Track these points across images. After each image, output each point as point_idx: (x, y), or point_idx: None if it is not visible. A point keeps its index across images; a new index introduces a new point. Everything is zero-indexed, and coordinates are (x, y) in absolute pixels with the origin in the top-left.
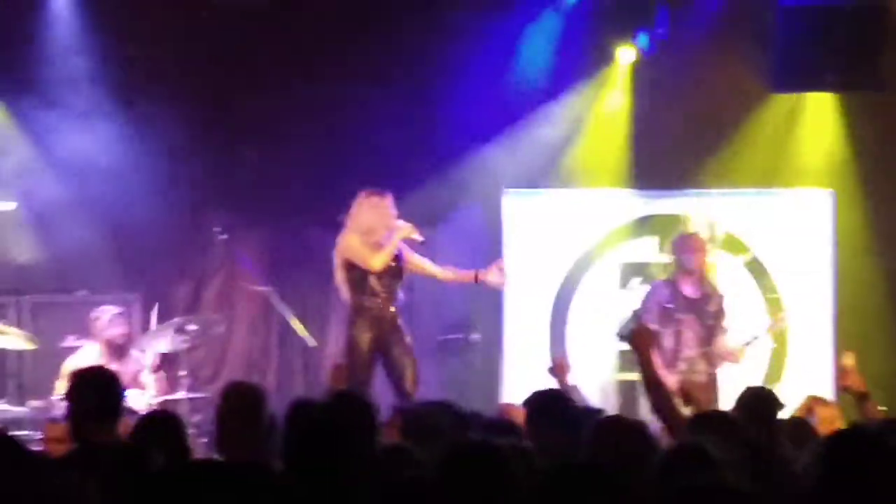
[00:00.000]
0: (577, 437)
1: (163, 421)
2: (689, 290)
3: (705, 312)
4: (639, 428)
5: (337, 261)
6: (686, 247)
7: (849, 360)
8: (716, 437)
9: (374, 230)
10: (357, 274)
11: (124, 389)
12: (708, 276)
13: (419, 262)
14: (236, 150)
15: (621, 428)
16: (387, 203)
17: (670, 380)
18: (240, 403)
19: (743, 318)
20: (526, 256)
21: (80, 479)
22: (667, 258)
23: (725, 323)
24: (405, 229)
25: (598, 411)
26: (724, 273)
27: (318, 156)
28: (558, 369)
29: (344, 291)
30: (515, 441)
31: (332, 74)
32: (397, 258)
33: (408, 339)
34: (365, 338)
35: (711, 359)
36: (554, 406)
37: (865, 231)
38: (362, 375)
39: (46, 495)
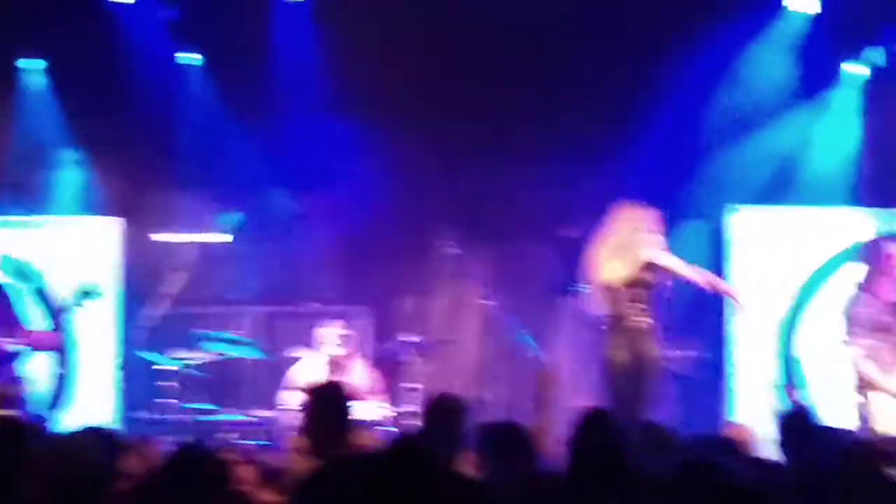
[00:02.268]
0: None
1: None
2: (892, 294)
3: None
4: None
5: (589, 275)
6: (885, 251)
7: None
8: None
9: (626, 241)
10: (612, 287)
11: (352, 404)
12: None
13: (669, 264)
14: (463, 166)
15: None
16: (641, 214)
17: None
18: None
19: None
20: (752, 274)
21: None
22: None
23: None
24: (650, 243)
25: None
26: None
27: (545, 172)
28: (791, 387)
29: (600, 302)
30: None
31: (558, 92)
32: (653, 269)
33: (658, 352)
34: (621, 349)
35: None
36: (805, 424)
37: None
38: (620, 385)
39: None
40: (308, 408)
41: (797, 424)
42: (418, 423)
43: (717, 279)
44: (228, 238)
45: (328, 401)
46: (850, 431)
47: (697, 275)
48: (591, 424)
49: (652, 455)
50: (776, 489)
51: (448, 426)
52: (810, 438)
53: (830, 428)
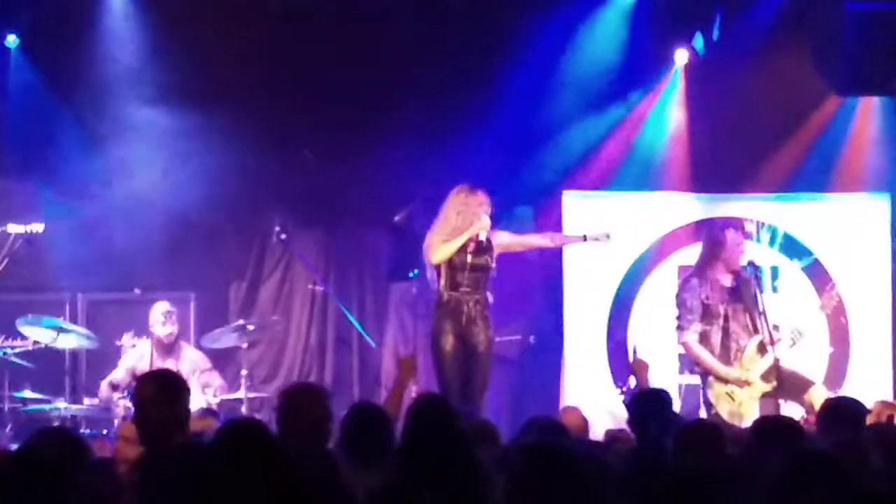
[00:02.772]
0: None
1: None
2: (724, 279)
3: (746, 299)
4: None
5: (426, 256)
6: (722, 236)
7: None
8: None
9: (461, 224)
10: (442, 268)
11: (188, 392)
12: (746, 264)
13: (517, 240)
14: (295, 151)
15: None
16: (477, 198)
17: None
18: (301, 404)
19: (800, 319)
20: (584, 259)
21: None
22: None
23: (769, 309)
24: (477, 225)
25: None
26: (784, 275)
27: (376, 157)
28: (639, 369)
29: (435, 285)
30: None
31: (389, 78)
32: (482, 251)
33: (488, 336)
34: (449, 332)
35: (767, 348)
36: (661, 406)
37: None
38: (448, 370)
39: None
40: (137, 395)
41: (646, 406)
42: (244, 409)
43: (563, 236)
44: (53, 224)
45: (159, 388)
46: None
47: (543, 239)
48: (424, 411)
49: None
50: (612, 472)
51: (309, 415)
52: (657, 420)
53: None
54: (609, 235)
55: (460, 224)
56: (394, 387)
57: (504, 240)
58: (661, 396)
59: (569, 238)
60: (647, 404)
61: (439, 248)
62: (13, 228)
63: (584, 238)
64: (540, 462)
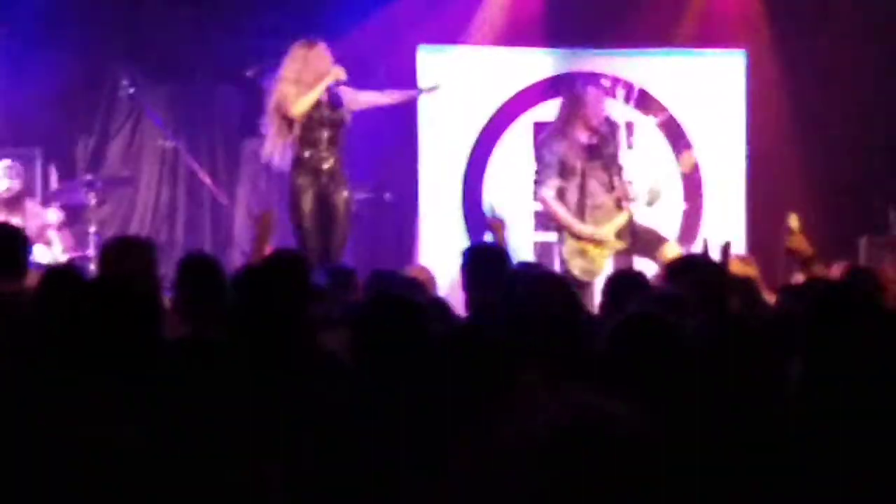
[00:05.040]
0: (511, 291)
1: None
2: (583, 136)
3: (605, 157)
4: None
5: (271, 114)
6: (581, 93)
7: (794, 221)
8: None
9: (307, 79)
10: (295, 125)
11: (28, 244)
12: (604, 121)
13: (365, 98)
14: (144, 3)
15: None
16: (318, 51)
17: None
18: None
19: (654, 174)
20: (439, 114)
21: None
22: (558, 106)
23: (626, 166)
24: (332, 74)
25: (535, 266)
26: (639, 132)
27: (230, 10)
28: (496, 226)
29: (279, 147)
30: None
31: None
32: (336, 106)
33: (346, 193)
34: (308, 189)
35: (623, 205)
36: (491, 261)
37: (777, 91)
38: (307, 227)
39: None
40: None
41: (482, 260)
42: (92, 267)
43: (410, 91)
44: None
45: None
46: (537, 267)
47: (382, 96)
48: (279, 266)
49: (338, 295)
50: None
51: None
52: (495, 273)
53: (521, 265)
54: (438, 87)
55: (309, 78)
56: (253, 245)
57: (350, 95)
58: (497, 253)
59: (406, 94)
60: (480, 260)
61: (297, 99)
62: None
63: (419, 91)
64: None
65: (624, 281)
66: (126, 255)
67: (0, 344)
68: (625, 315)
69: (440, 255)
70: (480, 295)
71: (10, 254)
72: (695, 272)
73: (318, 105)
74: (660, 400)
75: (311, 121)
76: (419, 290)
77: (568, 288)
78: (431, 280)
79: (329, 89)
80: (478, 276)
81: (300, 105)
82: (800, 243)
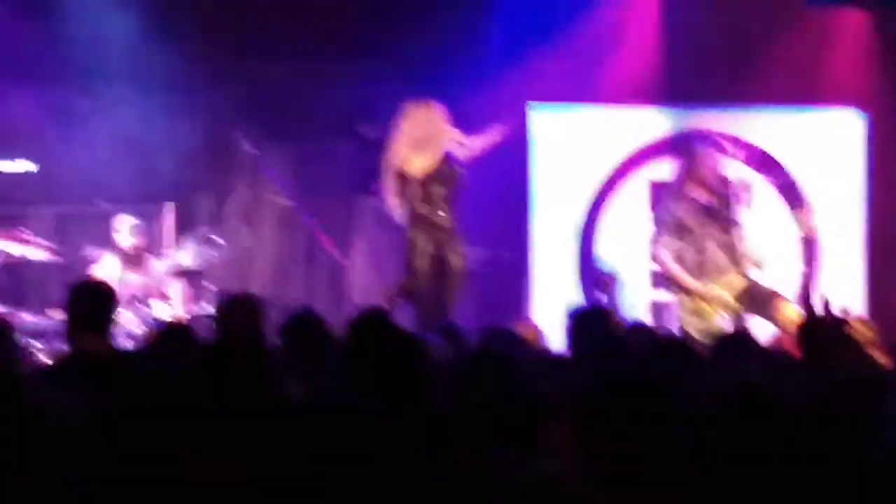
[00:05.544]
0: (619, 350)
1: (179, 332)
2: (701, 196)
3: (723, 217)
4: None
5: (387, 173)
6: (699, 152)
7: None
8: None
9: (422, 139)
10: (412, 183)
11: (116, 301)
12: (720, 181)
13: (464, 150)
14: (264, 64)
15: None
16: (434, 111)
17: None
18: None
19: (772, 235)
20: (553, 172)
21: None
22: (675, 165)
23: (744, 226)
24: (450, 136)
25: (646, 327)
26: (756, 192)
27: (345, 71)
28: (607, 284)
29: (396, 203)
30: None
31: None
32: (451, 164)
33: (461, 250)
34: (424, 247)
35: (741, 265)
36: (596, 320)
37: None
38: (421, 283)
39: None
40: (66, 304)
41: (586, 321)
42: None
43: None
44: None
45: (82, 296)
46: (649, 330)
47: (491, 136)
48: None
49: (449, 349)
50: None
51: (246, 324)
52: (600, 335)
53: (631, 327)
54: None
55: (424, 137)
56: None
57: (460, 151)
58: (600, 313)
59: (504, 123)
60: (584, 321)
61: (415, 159)
62: None
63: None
64: None
65: (731, 341)
66: (238, 311)
67: (90, 404)
68: (720, 383)
69: (553, 311)
70: (585, 356)
71: (96, 312)
72: (818, 334)
73: (434, 163)
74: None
75: (428, 178)
76: (526, 346)
77: (685, 349)
78: (539, 336)
79: (444, 148)
80: (581, 336)
81: (419, 164)
82: None
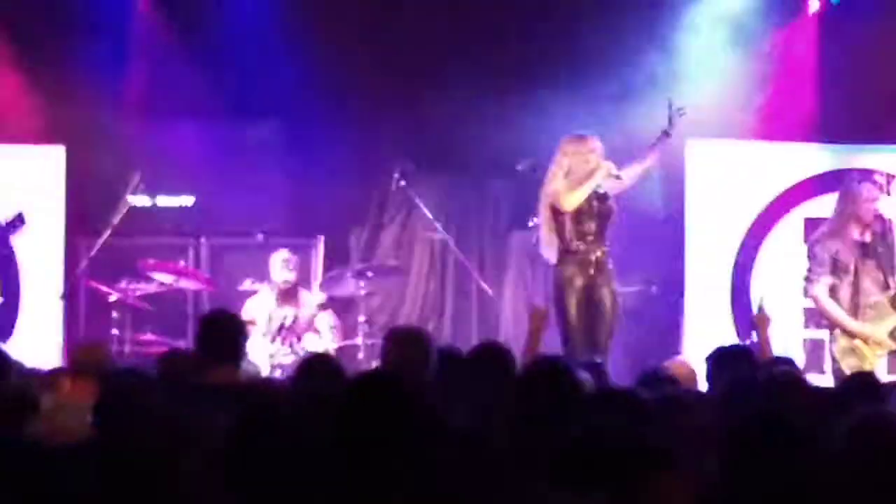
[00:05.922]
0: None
1: (320, 364)
2: (857, 233)
3: (879, 255)
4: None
5: (542, 209)
6: (855, 190)
7: None
8: None
9: (577, 172)
10: (565, 218)
11: (244, 332)
12: (878, 219)
13: (619, 183)
14: (418, 97)
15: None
16: (589, 145)
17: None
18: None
19: None
20: (708, 208)
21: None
22: (831, 203)
23: None
24: (603, 169)
25: (788, 361)
26: None
27: (501, 105)
28: (760, 323)
29: (549, 239)
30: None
31: (516, 26)
32: (604, 198)
33: (613, 286)
34: (575, 282)
35: (895, 304)
36: (735, 360)
37: None
38: (573, 320)
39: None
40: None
41: (726, 361)
42: (361, 356)
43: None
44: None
45: (211, 330)
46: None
47: (647, 159)
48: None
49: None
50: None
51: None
52: (740, 374)
53: (772, 367)
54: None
55: (579, 171)
56: (528, 339)
57: (613, 183)
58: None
59: (654, 145)
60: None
61: (569, 194)
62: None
63: (667, 133)
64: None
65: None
66: (405, 344)
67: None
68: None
69: (706, 349)
70: (726, 396)
71: (225, 343)
72: None
73: (587, 197)
74: None
75: (580, 213)
76: (675, 385)
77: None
78: (692, 374)
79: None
80: (721, 378)
81: (572, 199)
82: None
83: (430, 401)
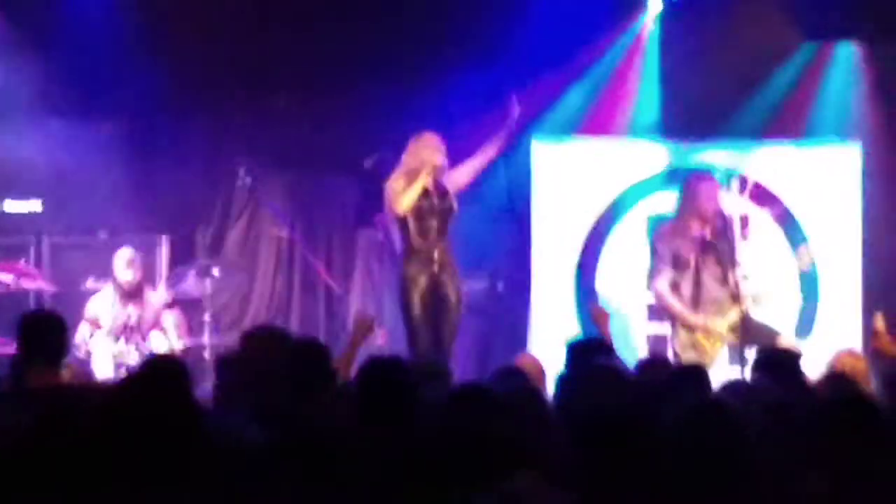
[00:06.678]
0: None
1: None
2: (697, 229)
3: (719, 251)
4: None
5: (386, 206)
6: (696, 186)
7: (879, 321)
8: None
9: (413, 171)
10: (406, 217)
11: (67, 335)
12: (718, 215)
13: (464, 170)
14: (264, 96)
15: None
16: (425, 141)
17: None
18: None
19: (770, 269)
20: (553, 205)
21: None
22: (673, 199)
23: (742, 261)
24: (426, 165)
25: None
26: (754, 225)
27: (345, 101)
28: (599, 318)
29: (394, 235)
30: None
31: (360, 24)
32: (443, 195)
33: (457, 282)
34: (419, 280)
35: (738, 299)
36: (595, 355)
37: (894, 184)
38: (418, 318)
39: None
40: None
41: (585, 353)
42: (206, 354)
43: (499, 135)
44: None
45: (30, 330)
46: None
47: (486, 153)
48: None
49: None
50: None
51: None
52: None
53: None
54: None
55: (417, 168)
56: (347, 348)
57: (455, 177)
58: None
59: (497, 139)
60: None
61: (401, 196)
62: None
63: (507, 126)
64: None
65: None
66: (259, 344)
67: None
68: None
69: (552, 344)
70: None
71: (48, 343)
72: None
73: (426, 195)
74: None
75: (421, 211)
76: (521, 379)
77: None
78: (540, 370)
79: (435, 178)
80: (579, 368)
81: (403, 201)
82: (885, 343)
83: None
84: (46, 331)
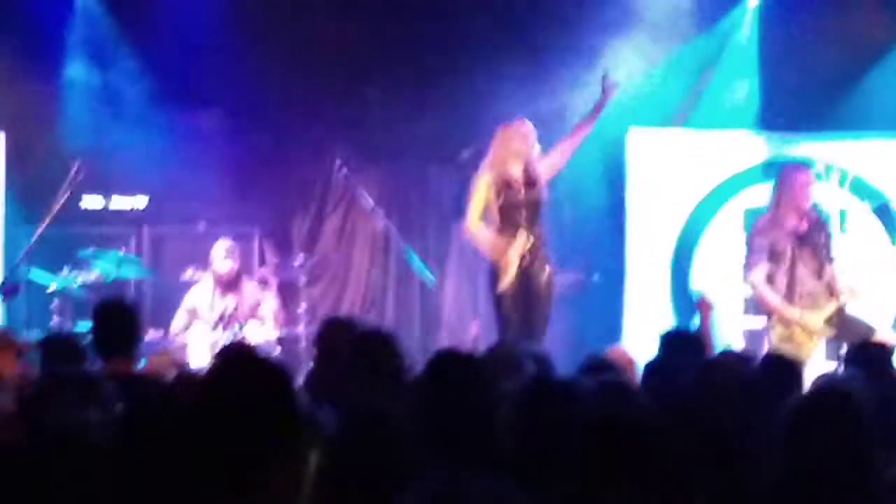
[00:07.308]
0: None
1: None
2: (794, 222)
3: (815, 244)
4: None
5: (473, 197)
6: (792, 179)
7: None
8: None
9: (509, 160)
10: (494, 207)
11: (140, 322)
12: (815, 207)
13: (552, 161)
14: (359, 86)
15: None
16: (517, 130)
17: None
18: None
19: (871, 264)
20: (649, 196)
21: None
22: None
23: (838, 254)
24: (530, 154)
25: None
26: (853, 218)
27: (444, 93)
28: (703, 307)
29: (480, 227)
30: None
31: (460, 12)
32: (532, 185)
33: (548, 271)
34: (510, 275)
35: (834, 292)
36: (688, 348)
37: None
38: (508, 310)
39: None
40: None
41: (678, 346)
42: (302, 345)
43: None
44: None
45: (104, 318)
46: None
47: (579, 133)
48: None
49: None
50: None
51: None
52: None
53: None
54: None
55: (511, 159)
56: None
57: (550, 160)
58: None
59: (587, 119)
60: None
61: (472, 215)
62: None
63: (600, 106)
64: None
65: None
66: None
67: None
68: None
69: (646, 336)
70: (672, 381)
71: (123, 333)
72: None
73: (514, 186)
74: None
75: (510, 203)
76: (613, 372)
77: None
78: (630, 363)
79: (525, 168)
80: (672, 362)
81: (472, 223)
82: None
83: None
84: (118, 319)
